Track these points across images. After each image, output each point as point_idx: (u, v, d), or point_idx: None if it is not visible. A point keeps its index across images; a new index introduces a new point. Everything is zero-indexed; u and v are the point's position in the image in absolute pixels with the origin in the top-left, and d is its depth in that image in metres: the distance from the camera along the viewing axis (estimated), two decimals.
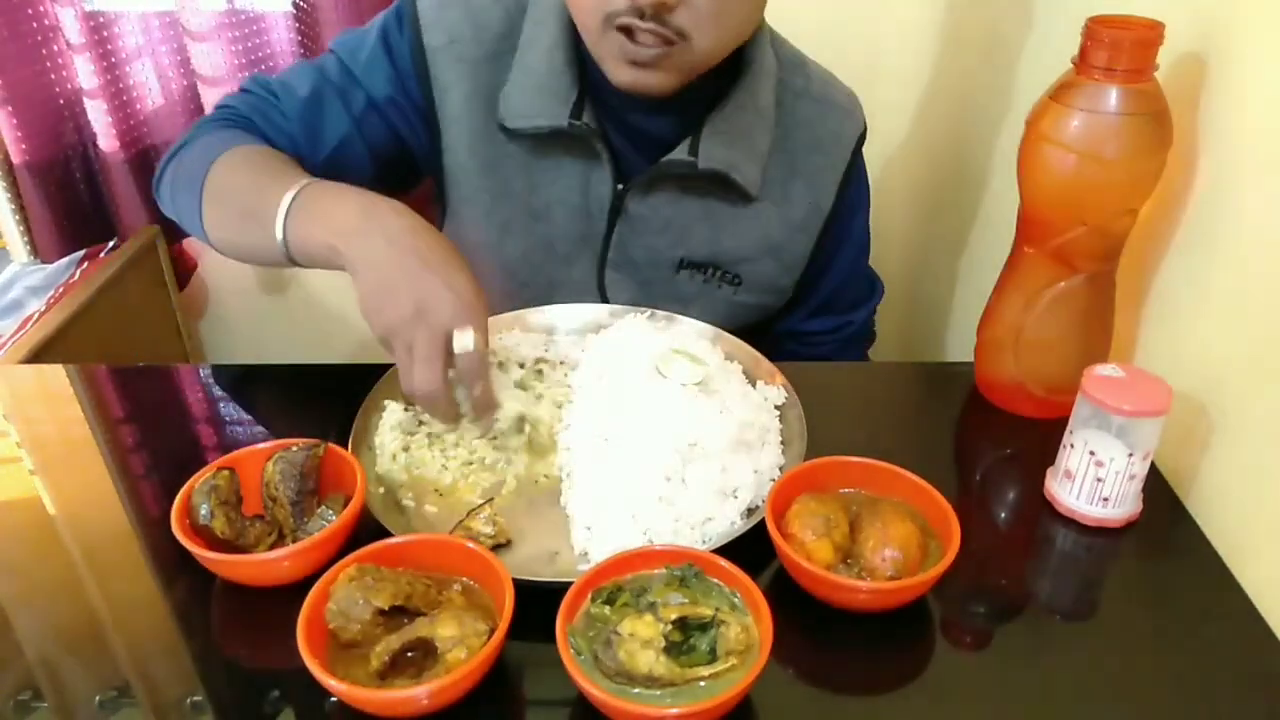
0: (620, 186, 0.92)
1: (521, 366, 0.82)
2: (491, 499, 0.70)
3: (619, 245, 0.94)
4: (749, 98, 0.90)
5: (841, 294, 1.04)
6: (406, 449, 0.75)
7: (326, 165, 0.91)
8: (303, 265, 0.81)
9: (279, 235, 0.78)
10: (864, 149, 0.99)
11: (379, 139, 0.93)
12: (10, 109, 1.38)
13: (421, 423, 0.77)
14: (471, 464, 0.74)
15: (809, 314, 1.04)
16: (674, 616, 0.57)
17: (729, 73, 0.89)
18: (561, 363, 0.83)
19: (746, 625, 0.57)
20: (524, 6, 0.90)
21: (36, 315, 1.34)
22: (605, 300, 0.96)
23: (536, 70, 0.88)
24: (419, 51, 0.91)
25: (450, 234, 0.96)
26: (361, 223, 0.75)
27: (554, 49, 0.87)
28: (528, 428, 0.76)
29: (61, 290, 1.39)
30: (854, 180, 0.99)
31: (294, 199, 0.78)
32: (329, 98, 0.92)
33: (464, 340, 0.71)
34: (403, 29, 0.92)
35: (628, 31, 0.77)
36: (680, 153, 0.88)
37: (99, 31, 1.38)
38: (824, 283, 1.02)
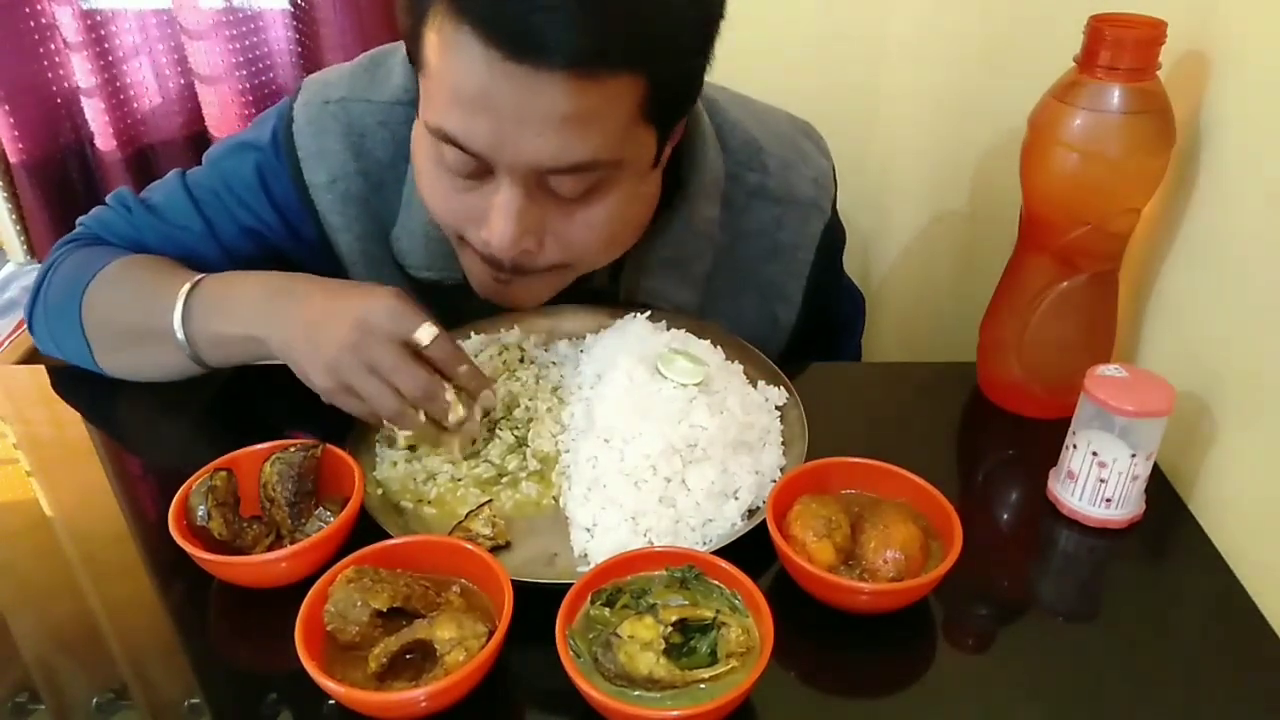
0: None
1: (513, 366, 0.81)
2: (490, 500, 0.69)
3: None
4: (680, 224, 0.81)
5: (825, 340, 0.99)
6: (409, 461, 0.74)
7: None
8: (221, 367, 0.78)
9: (182, 344, 0.75)
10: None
11: (256, 263, 0.84)
12: (7, 108, 1.38)
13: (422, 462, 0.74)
14: (463, 481, 0.73)
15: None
16: (674, 618, 0.56)
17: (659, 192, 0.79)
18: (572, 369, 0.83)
19: (747, 627, 0.57)
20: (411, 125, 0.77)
21: None
22: None
23: (422, 216, 0.79)
24: (302, 190, 0.82)
25: None
26: (267, 299, 0.72)
27: None
28: (530, 458, 0.74)
29: None
30: (823, 272, 0.90)
31: (186, 303, 0.74)
32: (197, 232, 0.84)
33: (423, 335, 0.67)
34: (281, 160, 0.83)
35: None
36: (601, 281, 0.82)
37: (96, 30, 1.38)
38: (806, 349, 0.94)
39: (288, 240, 0.86)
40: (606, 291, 0.83)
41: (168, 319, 0.75)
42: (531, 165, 0.65)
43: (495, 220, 0.67)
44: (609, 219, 0.71)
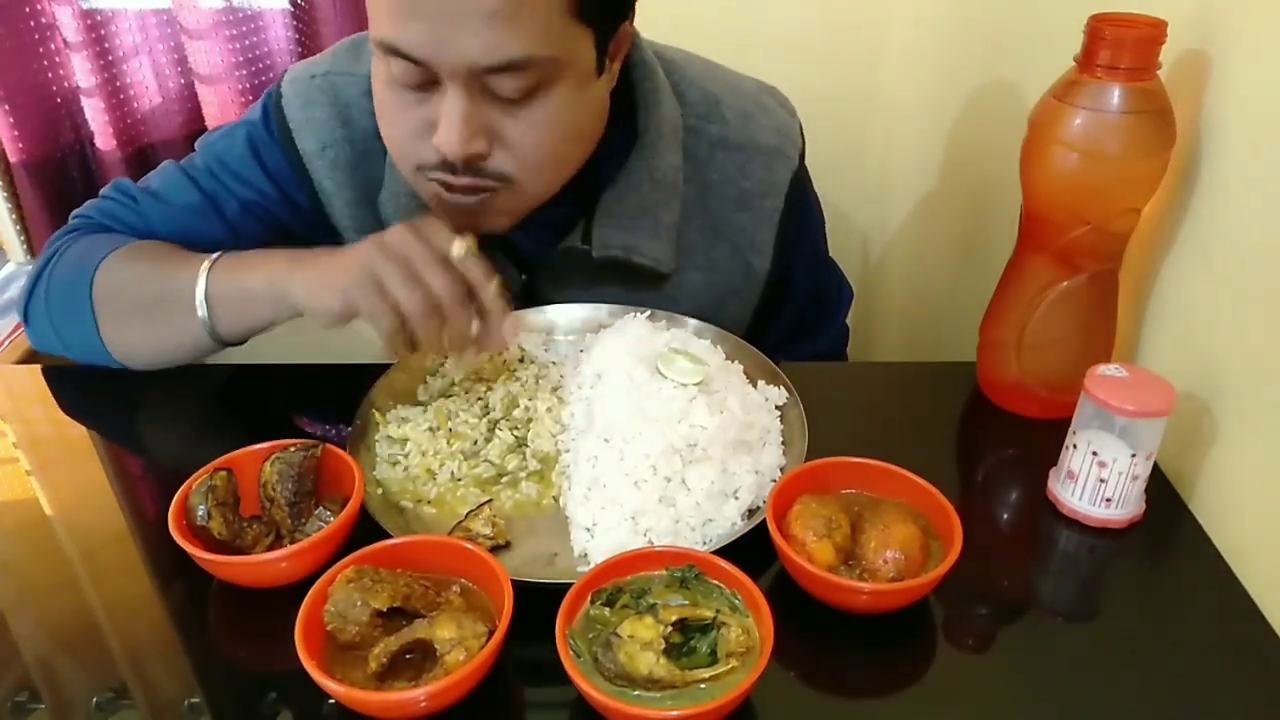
0: (524, 276, 0.88)
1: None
2: (490, 500, 0.69)
3: None
4: (644, 172, 0.83)
5: (805, 317, 1.00)
6: (406, 457, 0.74)
7: None
8: (228, 337, 0.79)
9: (200, 297, 0.76)
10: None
11: (262, 239, 0.87)
12: (7, 108, 1.38)
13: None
14: (463, 480, 0.73)
15: (773, 348, 0.95)
16: (674, 618, 0.56)
17: (620, 143, 0.83)
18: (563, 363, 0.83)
19: (747, 627, 0.57)
20: None
21: None
22: None
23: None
24: (295, 159, 0.86)
25: None
26: (293, 258, 0.75)
27: None
28: (530, 458, 0.74)
29: None
30: (794, 223, 0.91)
31: (211, 268, 0.77)
32: (201, 208, 0.87)
33: (456, 248, 0.69)
34: (272, 132, 0.87)
35: (443, 181, 0.73)
36: (574, 239, 0.84)
37: (96, 30, 1.38)
38: (779, 321, 0.97)
39: (286, 211, 0.89)
40: (580, 249, 0.84)
41: (190, 281, 0.77)
42: (469, 64, 0.67)
43: (444, 125, 0.70)
44: (551, 122, 0.72)
